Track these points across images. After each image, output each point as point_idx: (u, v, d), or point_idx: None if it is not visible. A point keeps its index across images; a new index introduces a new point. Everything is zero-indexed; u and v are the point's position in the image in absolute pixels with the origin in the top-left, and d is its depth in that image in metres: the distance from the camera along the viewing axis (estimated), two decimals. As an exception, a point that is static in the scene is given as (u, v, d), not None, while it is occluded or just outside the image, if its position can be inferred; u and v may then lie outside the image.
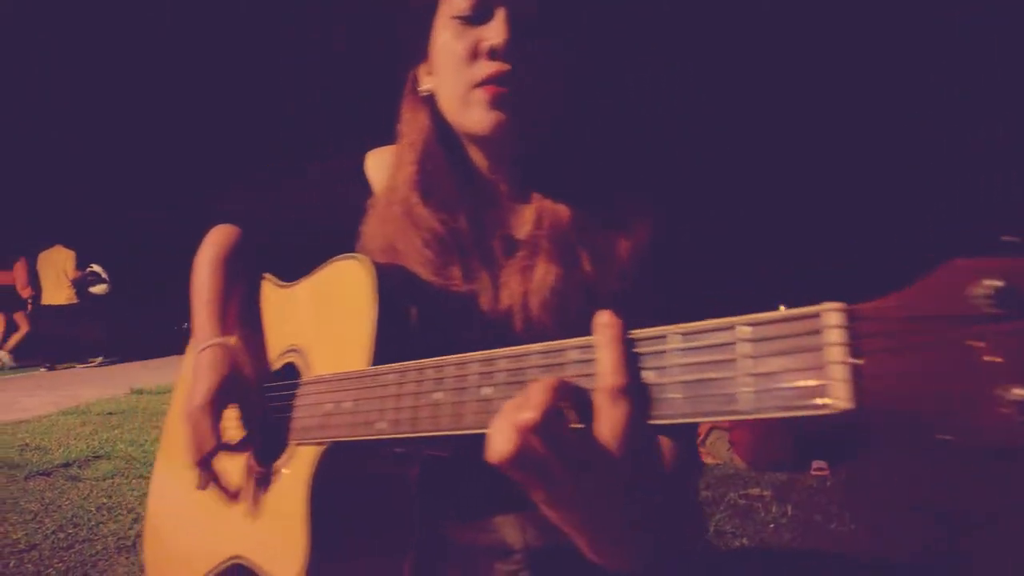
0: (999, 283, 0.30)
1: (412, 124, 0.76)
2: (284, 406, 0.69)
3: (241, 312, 0.82)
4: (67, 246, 7.71)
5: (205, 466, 0.71)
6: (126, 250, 8.97)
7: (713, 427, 4.00)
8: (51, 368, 7.69)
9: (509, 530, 0.68)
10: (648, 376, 0.40)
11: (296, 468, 0.65)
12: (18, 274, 7.64)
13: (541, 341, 0.64)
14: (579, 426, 0.42)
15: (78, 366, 8.01)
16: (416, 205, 0.72)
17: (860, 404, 0.32)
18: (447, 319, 0.68)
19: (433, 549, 0.67)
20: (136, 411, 4.74)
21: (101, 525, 2.42)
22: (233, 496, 0.73)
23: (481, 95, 0.67)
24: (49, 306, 7.66)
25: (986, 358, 0.30)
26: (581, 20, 0.74)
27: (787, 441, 3.75)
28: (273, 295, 0.83)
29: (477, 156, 0.75)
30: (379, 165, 0.82)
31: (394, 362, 0.58)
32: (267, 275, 0.85)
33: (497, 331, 0.68)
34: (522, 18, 0.67)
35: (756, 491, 3.24)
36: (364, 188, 0.81)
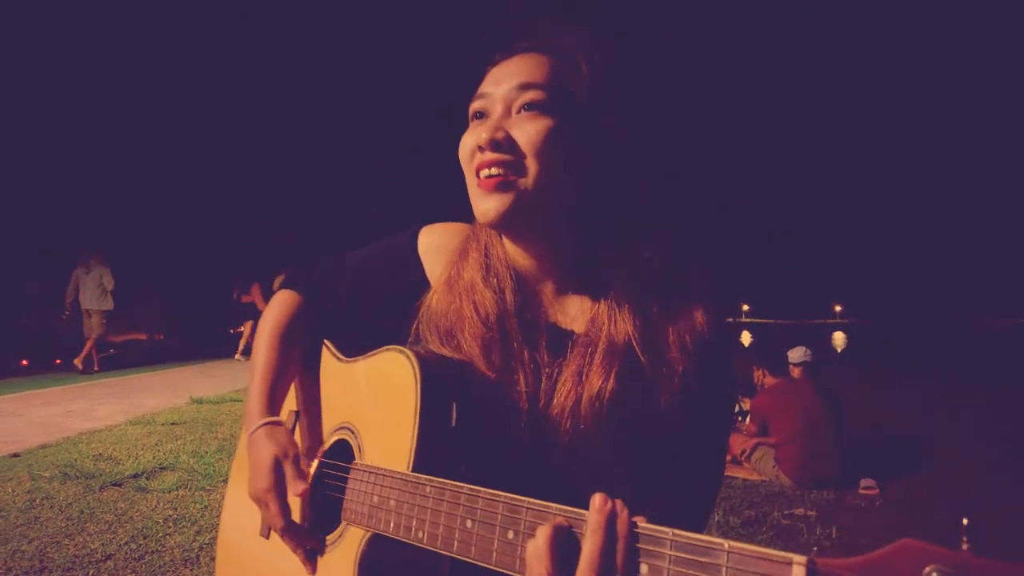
0: (947, 571, 0.33)
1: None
2: (339, 485, 0.76)
3: (298, 381, 0.89)
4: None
5: (286, 536, 0.77)
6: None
7: (760, 443, 3.93)
8: None
9: None
10: (643, 570, 0.44)
11: (346, 545, 0.72)
12: (256, 295, 11.24)
13: (584, 446, 0.68)
14: None
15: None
16: (480, 283, 0.77)
17: None
18: (492, 420, 0.71)
19: None
20: (197, 421, 5.03)
21: (168, 537, 2.60)
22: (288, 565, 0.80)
23: (479, 185, 0.72)
24: None
25: None
26: (581, 101, 0.74)
27: (835, 458, 3.65)
28: (331, 367, 0.89)
29: (514, 251, 0.78)
30: (431, 242, 0.88)
31: (432, 457, 0.65)
32: (327, 343, 0.91)
33: (542, 434, 0.71)
34: (512, 107, 0.72)
35: (800, 511, 3.18)
36: (416, 263, 0.87)
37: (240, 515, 0.95)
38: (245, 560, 0.92)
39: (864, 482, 3.57)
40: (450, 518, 0.58)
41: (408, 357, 0.71)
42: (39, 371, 9.08)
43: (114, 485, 3.25)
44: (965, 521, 0.36)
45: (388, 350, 0.76)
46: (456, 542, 0.57)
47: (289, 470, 0.77)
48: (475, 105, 0.76)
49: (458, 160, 0.77)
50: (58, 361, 10.85)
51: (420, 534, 0.60)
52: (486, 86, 0.76)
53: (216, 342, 13.06)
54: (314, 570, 0.76)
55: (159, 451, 3.98)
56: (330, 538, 0.75)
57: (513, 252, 0.79)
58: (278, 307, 0.93)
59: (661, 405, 0.70)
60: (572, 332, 0.76)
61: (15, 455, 3.85)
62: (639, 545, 0.45)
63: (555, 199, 0.72)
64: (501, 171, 0.70)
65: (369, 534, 0.68)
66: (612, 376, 0.69)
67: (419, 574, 0.66)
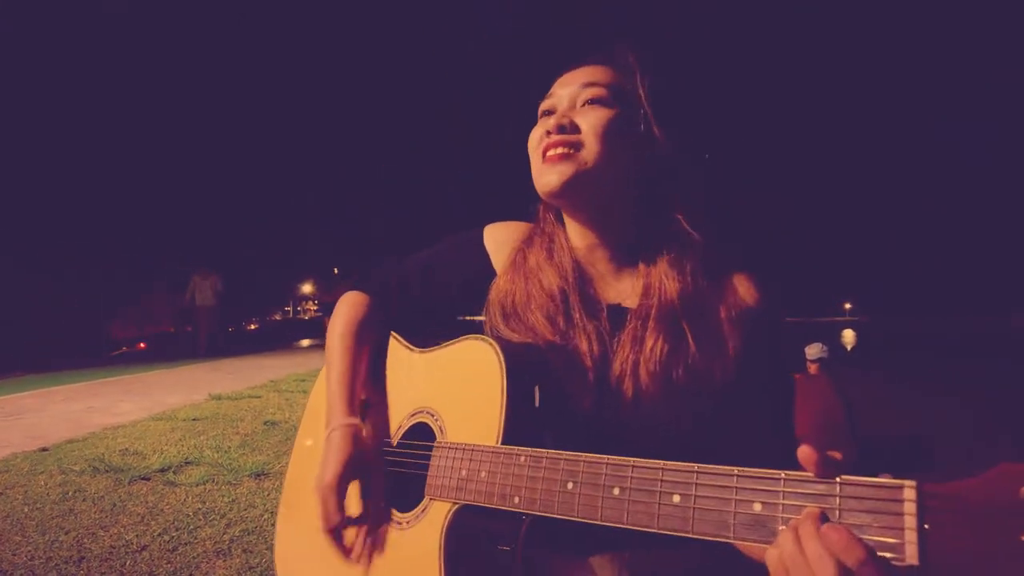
0: None
1: (546, 213, 0.91)
2: (420, 463, 0.79)
3: (369, 376, 0.94)
4: None
5: (334, 535, 0.82)
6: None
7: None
8: None
9: (604, 569, 0.76)
10: (756, 508, 0.52)
11: (431, 518, 0.75)
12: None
13: (648, 408, 0.73)
14: None
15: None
16: (545, 264, 0.85)
17: (924, 564, 0.40)
18: (565, 390, 0.77)
19: None
20: (217, 417, 5.10)
21: (198, 529, 2.66)
22: (352, 556, 0.83)
23: (544, 162, 0.80)
24: None
25: None
26: (636, 99, 0.82)
27: (852, 453, 3.67)
28: (402, 356, 0.93)
29: (574, 234, 0.86)
30: (495, 238, 0.95)
31: (519, 434, 0.69)
32: (394, 334, 0.96)
33: (609, 398, 0.76)
34: (577, 102, 0.82)
35: (819, 505, 3.21)
36: (484, 256, 0.94)
37: (298, 528, 0.98)
38: (307, 564, 0.94)
39: (881, 476, 3.59)
40: (549, 482, 0.62)
41: (491, 344, 0.75)
42: (55, 368, 9.21)
43: (142, 479, 3.32)
44: None
45: (469, 339, 0.80)
46: (557, 503, 0.61)
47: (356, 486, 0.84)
48: (544, 104, 0.85)
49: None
50: (142, 346, 12.61)
51: (516, 500, 0.65)
52: (555, 88, 0.85)
53: (221, 338, 13.26)
54: (370, 557, 0.81)
55: (183, 446, 4.05)
56: (408, 515, 0.79)
57: (573, 236, 0.87)
58: (348, 307, 0.97)
59: (716, 375, 0.75)
60: (626, 307, 0.82)
61: (44, 449, 3.94)
62: (751, 486, 0.52)
63: (610, 176, 0.80)
64: (564, 148, 0.79)
65: (457, 506, 0.72)
66: (663, 339, 0.76)
67: (498, 538, 0.70)
